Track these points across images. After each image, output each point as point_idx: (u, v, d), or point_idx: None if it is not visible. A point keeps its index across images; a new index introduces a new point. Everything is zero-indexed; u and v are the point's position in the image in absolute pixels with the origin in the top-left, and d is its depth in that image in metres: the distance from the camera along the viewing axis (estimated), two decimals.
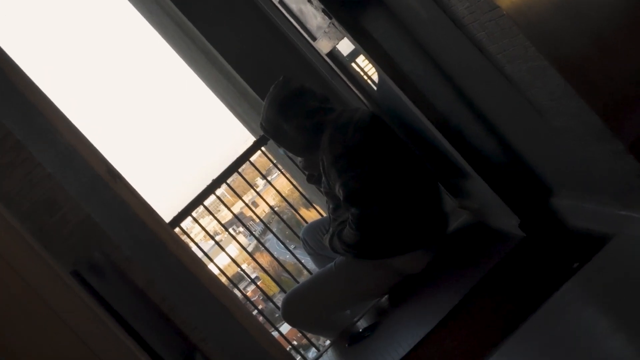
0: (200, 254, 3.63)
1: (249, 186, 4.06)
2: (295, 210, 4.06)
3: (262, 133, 2.94)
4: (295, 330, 3.34)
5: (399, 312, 2.57)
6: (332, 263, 2.73)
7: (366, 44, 2.19)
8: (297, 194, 4.11)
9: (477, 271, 2.25)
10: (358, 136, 2.50)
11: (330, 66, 2.98)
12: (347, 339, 2.67)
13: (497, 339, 1.83)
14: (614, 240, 1.77)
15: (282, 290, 3.72)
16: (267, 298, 3.98)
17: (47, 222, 1.80)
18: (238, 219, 4.31)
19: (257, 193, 4.24)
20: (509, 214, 2.20)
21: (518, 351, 1.77)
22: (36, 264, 1.50)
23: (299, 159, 2.78)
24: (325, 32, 2.45)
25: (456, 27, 1.69)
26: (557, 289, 1.80)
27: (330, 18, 2.23)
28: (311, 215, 4.65)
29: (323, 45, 2.67)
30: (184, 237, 3.61)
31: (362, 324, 2.74)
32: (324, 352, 2.87)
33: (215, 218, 3.83)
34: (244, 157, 3.53)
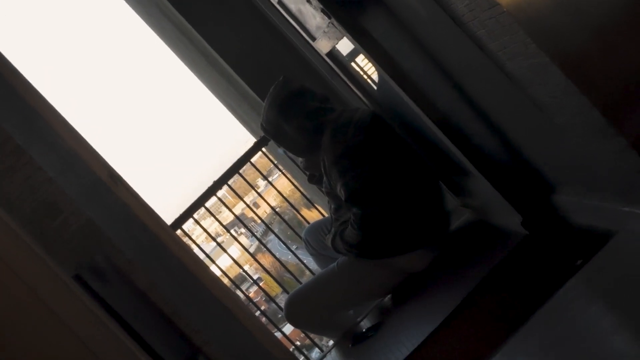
0: (202, 256, 3.63)
1: (250, 187, 4.05)
2: (297, 210, 4.05)
3: (262, 134, 2.94)
4: (298, 330, 3.34)
5: (402, 311, 2.57)
6: (335, 263, 2.73)
7: (366, 43, 2.19)
8: (299, 194, 4.11)
9: (480, 269, 2.24)
10: (359, 136, 2.49)
11: (330, 66, 2.98)
12: (350, 339, 2.67)
13: (501, 337, 1.83)
14: (617, 237, 1.76)
15: (285, 290, 3.71)
16: (270, 299, 3.97)
17: (48, 226, 1.80)
18: (239, 220, 4.31)
19: (259, 194, 4.23)
20: (511, 211, 2.20)
21: (522, 349, 1.77)
22: (38, 268, 1.50)
23: (300, 159, 2.78)
24: (324, 32, 2.45)
25: (456, 25, 1.69)
26: (560, 286, 1.80)
27: (329, 18, 2.22)
28: (313, 215, 4.65)
29: (322, 45, 2.67)
30: (185, 239, 3.61)
31: (365, 324, 2.74)
32: (328, 352, 2.87)
33: (217, 219, 3.83)
34: (245, 158, 3.53)
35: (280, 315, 3.94)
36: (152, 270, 2.02)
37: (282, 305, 2.91)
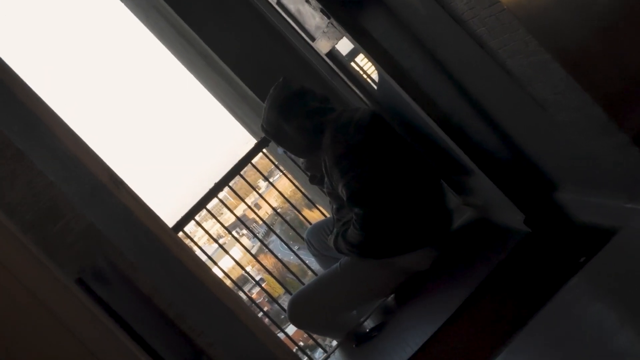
0: (204, 258, 3.63)
1: (251, 188, 4.05)
2: (298, 211, 4.05)
3: (263, 135, 2.94)
4: (301, 331, 3.34)
5: (405, 311, 2.56)
6: (337, 264, 2.72)
7: (366, 42, 2.19)
8: (300, 194, 4.11)
9: (483, 268, 2.24)
10: (359, 135, 2.49)
11: (329, 66, 2.97)
12: (354, 340, 2.66)
13: (506, 335, 1.83)
14: (620, 234, 1.76)
15: (287, 291, 3.71)
16: (272, 300, 3.98)
17: (50, 231, 1.79)
18: (241, 221, 4.31)
19: (260, 195, 4.23)
20: (514, 209, 2.19)
21: (527, 347, 1.76)
22: (40, 273, 1.49)
23: (301, 160, 2.77)
24: (324, 32, 2.44)
25: (456, 23, 1.68)
26: (563, 284, 1.79)
27: (328, 18, 2.22)
28: (314, 215, 4.64)
29: (322, 46, 2.67)
30: (187, 241, 3.61)
31: (369, 324, 2.73)
32: (332, 353, 2.87)
33: (219, 221, 3.82)
34: (246, 159, 3.53)
35: (283, 316, 3.94)
36: (154, 273, 2.02)
37: (285, 306, 2.91)
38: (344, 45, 3.00)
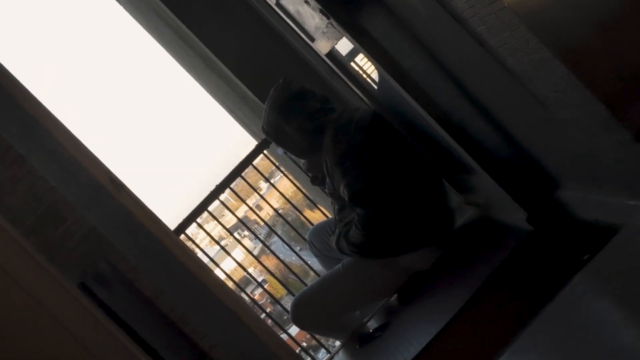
0: (206, 260, 3.62)
1: (252, 190, 4.05)
2: (300, 211, 4.04)
3: (263, 136, 2.93)
4: (304, 332, 3.33)
5: (408, 311, 2.56)
6: (340, 264, 2.72)
7: (365, 42, 2.18)
8: (301, 195, 4.10)
9: (486, 267, 2.24)
10: (360, 135, 2.49)
11: (329, 66, 2.97)
12: (357, 340, 2.66)
13: (509, 334, 1.82)
14: (623, 231, 1.75)
15: (290, 292, 3.71)
16: (275, 301, 3.97)
17: (52, 236, 1.79)
18: (243, 223, 4.31)
19: (261, 196, 4.23)
20: (516, 208, 2.19)
21: (531, 346, 1.76)
22: (42, 278, 1.49)
23: (302, 161, 2.77)
24: (323, 32, 2.44)
25: (456, 22, 1.68)
26: (567, 281, 1.79)
27: (328, 18, 2.22)
28: (316, 216, 4.64)
29: (322, 46, 2.66)
30: (189, 244, 3.61)
31: (372, 325, 2.73)
32: (335, 354, 2.86)
33: (220, 223, 3.82)
34: (247, 161, 3.52)
35: (285, 317, 3.94)
36: (156, 276, 2.02)
37: (287, 306, 2.91)
38: (344, 46, 3.00)
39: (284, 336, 3.65)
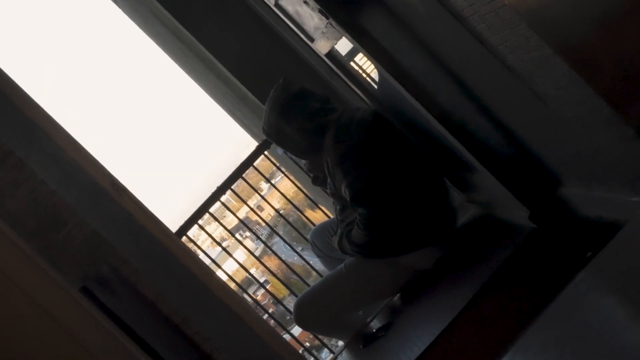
0: (208, 261, 3.62)
1: (253, 191, 4.05)
2: (301, 212, 4.04)
3: (264, 137, 2.93)
4: (307, 332, 3.33)
5: (412, 310, 2.55)
6: (342, 264, 2.71)
7: (365, 42, 2.18)
8: (302, 195, 4.10)
9: (489, 265, 2.23)
10: (361, 135, 2.48)
11: (329, 66, 2.96)
12: (361, 340, 2.65)
13: (513, 333, 1.81)
14: (626, 227, 1.75)
15: (292, 292, 3.71)
16: (277, 301, 3.98)
17: (53, 239, 1.79)
18: (244, 224, 4.31)
19: (262, 197, 4.24)
20: (518, 205, 2.18)
21: (534, 344, 1.75)
22: (44, 282, 1.49)
23: (303, 161, 2.76)
24: (322, 32, 2.43)
25: (455, 20, 1.67)
26: (570, 279, 1.78)
27: (327, 18, 2.21)
28: (317, 216, 4.64)
29: (321, 46, 2.66)
30: (191, 245, 3.61)
31: (375, 324, 2.72)
32: (339, 354, 2.86)
33: (222, 224, 3.82)
34: (248, 162, 3.53)
35: (288, 317, 3.93)
36: (158, 278, 2.01)
37: (290, 307, 2.90)
38: (343, 45, 2.99)
39: (287, 336, 3.65)
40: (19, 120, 1.89)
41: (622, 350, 1.44)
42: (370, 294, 2.72)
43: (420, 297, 2.56)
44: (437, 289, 2.49)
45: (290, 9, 2.63)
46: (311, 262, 3.68)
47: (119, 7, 3.87)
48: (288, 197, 4.02)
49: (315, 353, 3.90)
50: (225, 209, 3.95)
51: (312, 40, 2.67)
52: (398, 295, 2.74)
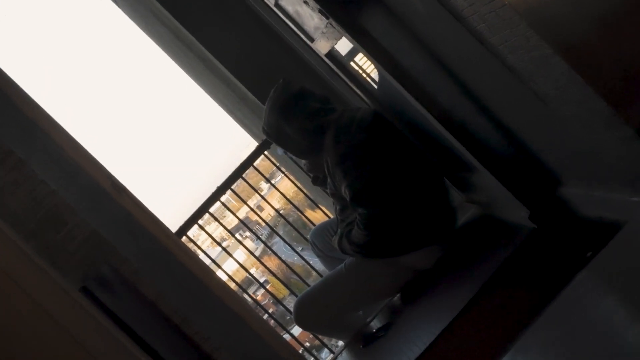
0: (208, 261, 3.62)
1: (253, 190, 4.05)
2: (301, 212, 4.04)
3: (264, 137, 2.93)
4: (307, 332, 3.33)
5: (412, 310, 2.55)
6: (342, 264, 2.71)
7: (365, 42, 2.18)
8: (302, 195, 4.10)
9: (489, 265, 2.23)
10: (361, 135, 2.48)
11: (329, 66, 2.96)
12: (361, 340, 2.65)
13: (513, 333, 1.81)
14: (626, 227, 1.75)
15: (292, 292, 3.71)
16: (277, 301, 3.97)
17: (53, 239, 1.79)
18: (244, 224, 4.31)
19: (262, 197, 4.24)
20: (518, 205, 2.18)
21: (535, 344, 1.75)
22: (43, 282, 1.48)
23: (303, 161, 2.76)
24: (322, 32, 2.43)
25: (455, 20, 1.67)
26: (570, 279, 1.78)
27: (327, 18, 2.21)
28: (317, 216, 4.63)
29: (321, 46, 2.66)
30: (191, 246, 3.61)
31: (375, 324, 2.72)
32: (339, 354, 2.86)
33: (222, 224, 3.82)
34: (248, 162, 3.52)
35: (288, 317, 3.93)
36: (158, 278, 2.01)
37: (290, 307, 2.90)
38: (343, 45, 2.99)
39: (286, 336, 3.64)
40: (19, 120, 1.89)
41: (623, 350, 1.45)
42: (370, 294, 2.72)
43: (421, 297, 2.56)
44: (437, 289, 2.49)
45: (290, 9, 2.63)
46: (311, 262, 3.68)
47: (119, 7, 3.87)
48: (288, 197, 4.02)
49: (315, 353, 3.90)
50: (225, 209, 3.95)
51: (312, 40, 2.67)
52: (398, 295, 2.74)
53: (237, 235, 4.80)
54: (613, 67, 1.46)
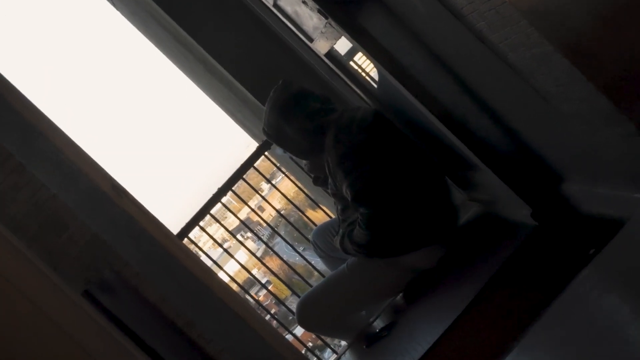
0: (209, 263, 3.62)
1: (254, 191, 4.05)
2: (302, 212, 4.04)
3: (264, 138, 2.92)
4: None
5: (415, 309, 2.55)
6: (345, 265, 2.71)
7: (365, 41, 2.17)
8: (303, 195, 4.10)
9: (492, 263, 2.22)
10: (362, 135, 2.47)
11: (329, 66, 2.96)
12: (364, 340, 2.65)
13: (517, 331, 1.81)
14: (629, 224, 1.74)
15: (294, 292, 3.70)
16: (279, 302, 3.97)
17: (54, 244, 1.78)
18: (245, 224, 4.31)
19: (263, 198, 4.24)
20: (520, 203, 2.18)
21: (539, 342, 1.74)
22: (46, 287, 1.48)
23: (304, 162, 2.76)
24: (322, 32, 2.43)
25: (455, 18, 1.67)
26: (574, 277, 1.77)
27: (326, 18, 2.21)
28: (318, 216, 4.63)
29: (321, 46, 2.65)
30: (192, 247, 3.60)
31: (378, 324, 2.72)
32: (342, 354, 2.85)
33: (223, 226, 3.82)
34: (248, 163, 3.52)
35: (290, 318, 3.93)
36: (160, 281, 2.01)
37: (292, 307, 2.90)
38: (343, 45, 2.99)
39: (289, 337, 3.64)
40: (18, 124, 1.89)
41: (627, 347, 1.44)
42: (372, 294, 2.71)
43: (423, 297, 2.55)
44: (440, 288, 2.49)
45: (289, 9, 2.62)
46: (313, 262, 3.67)
47: (118, 10, 3.86)
48: (289, 197, 4.02)
49: (318, 353, 3.90)
50: (226, 210, 3.95)
51: (311, 40, 2.67)
52: (401, 294, 2.73)
53: (238, 236, 4.80)
54: (614, 64, 1.46)
